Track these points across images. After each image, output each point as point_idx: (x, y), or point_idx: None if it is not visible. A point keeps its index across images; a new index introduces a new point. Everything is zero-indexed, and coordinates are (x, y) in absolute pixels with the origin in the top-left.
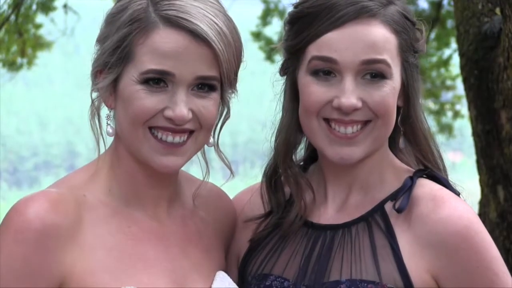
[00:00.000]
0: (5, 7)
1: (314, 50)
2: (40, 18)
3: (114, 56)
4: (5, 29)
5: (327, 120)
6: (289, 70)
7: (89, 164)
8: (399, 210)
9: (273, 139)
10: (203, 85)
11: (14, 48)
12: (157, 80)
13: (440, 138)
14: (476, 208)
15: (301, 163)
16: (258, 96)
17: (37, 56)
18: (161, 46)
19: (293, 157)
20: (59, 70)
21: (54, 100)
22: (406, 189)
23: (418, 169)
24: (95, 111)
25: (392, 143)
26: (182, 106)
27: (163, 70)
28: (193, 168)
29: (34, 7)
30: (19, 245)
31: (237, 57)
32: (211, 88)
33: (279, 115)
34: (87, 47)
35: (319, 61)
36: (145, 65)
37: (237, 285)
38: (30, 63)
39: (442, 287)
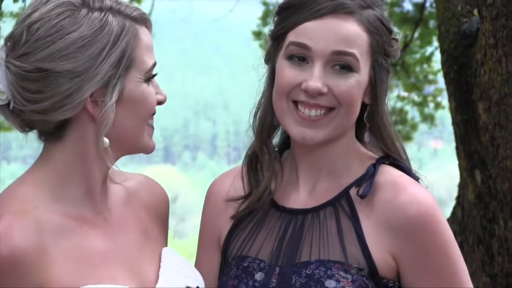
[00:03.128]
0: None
1: (293, 36)
2: None
3: (120, 68)
4: None
5: (296, 103)
6: (271, 56)
7: (25, 176)
8: (362, 196)
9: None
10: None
11: None
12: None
13: (423, 127)
14: (455, 190)
15: (276, 149)
16: (259, 88)
17: None
18: (148, 41)
19: (269, 137)
20: None
21: None
22: (369, 176)
23: (380, 156)
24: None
25: (360, 136)
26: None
27: (155, 63)
28: (201, 154)
29: None
30: None
31: None
32: None
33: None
34: None
35: (295, 47)
36: (147, 63)
37: (220, 263)
38: None
39: (401, 267)
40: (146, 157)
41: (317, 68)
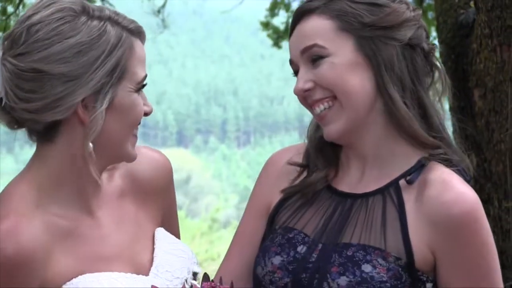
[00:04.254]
0: None
1: None
2: None
3: (113, 77)
4: None
5: None
6: None
7: (23, 176)
8: (409, 182)
9: None
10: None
11: None
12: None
13: None
14: None
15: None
16: (267, 76)
17: None
18: (142, 54)
19: (320, 141)
20: None
21: None
22: (417, 167)
23: (430, 153)
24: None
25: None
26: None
27: (146, 75)
28: (212, 138)
29: None
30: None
31: None
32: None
33: (284, 93)
34: None
35: (291, 64)
36: (139, 74)
37: (265, 229)
38: None
39: (438, 261)
40: (161, 141)
41: (299, 73)
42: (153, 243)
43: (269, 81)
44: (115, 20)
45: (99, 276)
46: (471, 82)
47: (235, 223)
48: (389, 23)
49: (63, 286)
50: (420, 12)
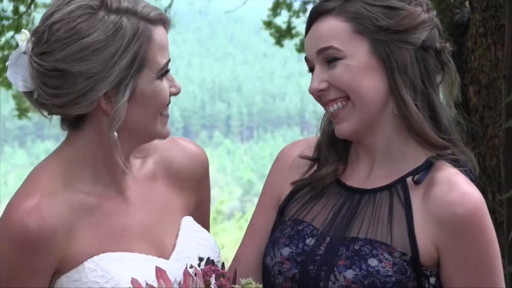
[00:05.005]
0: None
1: None
2: None
3: (132, 70)
4: None
5: None
6: None
7: (54, 156)
8: (416, 182)
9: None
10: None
11: None
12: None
13: None
14: None
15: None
16: (269, 73)
17: None
18: (162, 41)
19: (331, 136)
20: None
21: None
22: (425, 166)
23: (439, 152)
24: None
25: (410, 125)
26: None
27: (169, 60)
28: (216, 133)
29: None
30: (20, 251)
31: None
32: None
33: (286, 90)
34: None
35: (306, 61)
36: (160, 62)
37: (275, 220)
38: None
39: (442, 258)
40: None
41: (314, 72)
42: (179, 230)
43: (272, 79)
44: (133, 11)
45: (120, 255)
46: (466, 79)
47: (239, 215)
48: (404, 26)
49: (84, 262)
50: (435, 12)
